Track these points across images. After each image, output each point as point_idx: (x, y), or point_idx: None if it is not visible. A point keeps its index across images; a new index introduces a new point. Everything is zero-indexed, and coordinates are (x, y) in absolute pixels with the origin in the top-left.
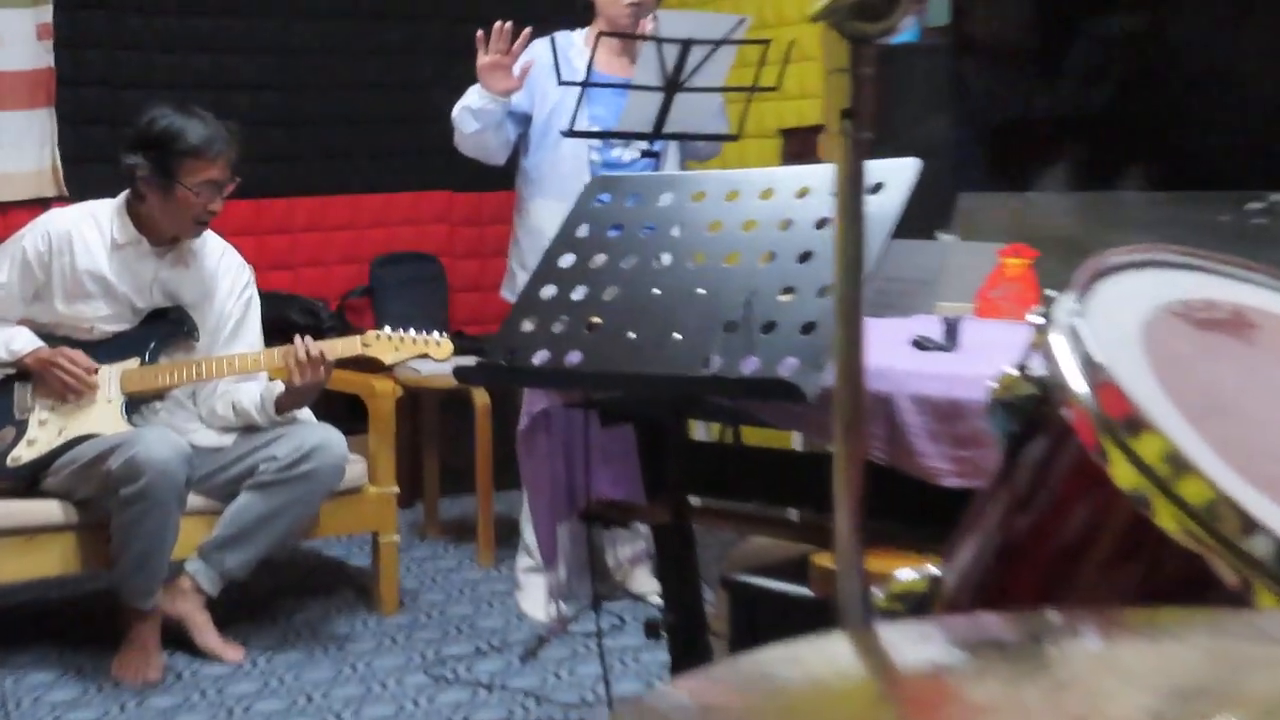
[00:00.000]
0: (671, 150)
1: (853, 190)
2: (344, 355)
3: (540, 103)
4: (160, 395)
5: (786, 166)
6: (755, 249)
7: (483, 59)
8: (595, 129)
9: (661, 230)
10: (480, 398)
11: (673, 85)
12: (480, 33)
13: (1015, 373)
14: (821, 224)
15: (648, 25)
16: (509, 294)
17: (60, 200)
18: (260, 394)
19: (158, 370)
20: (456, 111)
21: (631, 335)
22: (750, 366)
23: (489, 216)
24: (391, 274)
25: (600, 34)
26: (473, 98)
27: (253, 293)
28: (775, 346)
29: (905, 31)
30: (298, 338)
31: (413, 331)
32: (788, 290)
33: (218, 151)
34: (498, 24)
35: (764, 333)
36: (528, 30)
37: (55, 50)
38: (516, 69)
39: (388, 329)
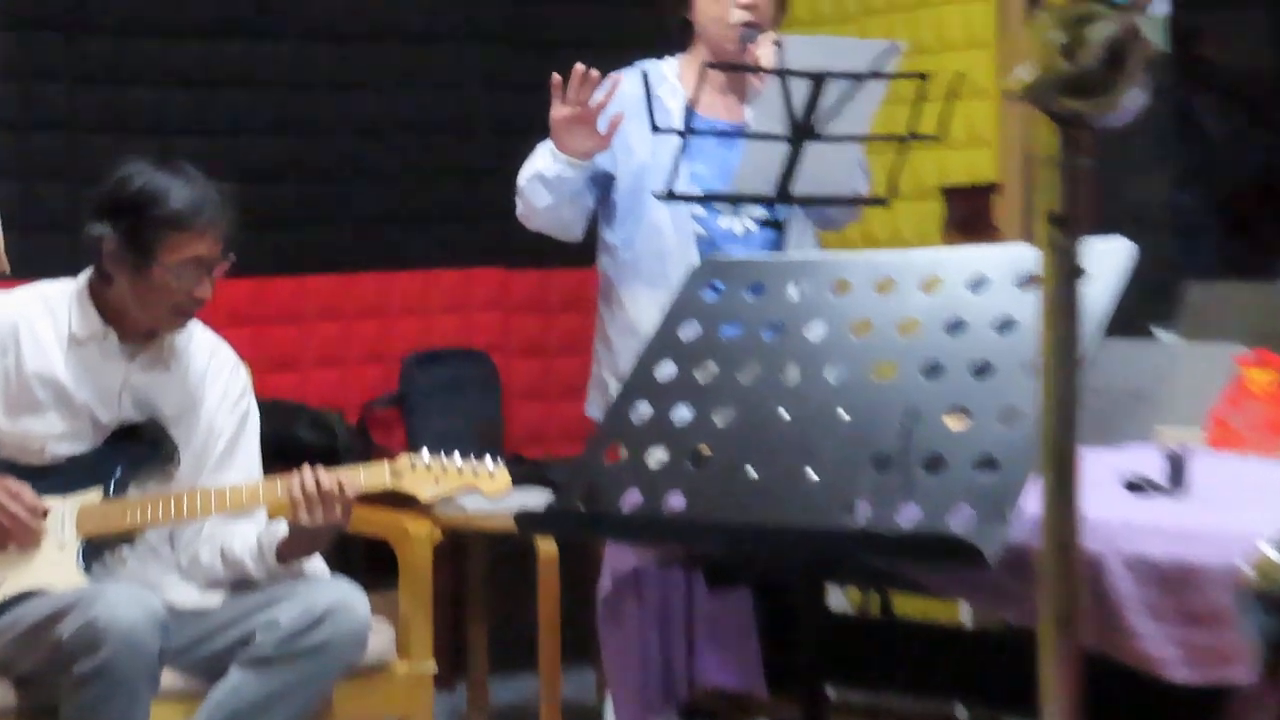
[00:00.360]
0: (799, 219)
1: (1064, 311)
2: (368, 488)
3: (626, 157)
4: (128, 538)
5: (956, 247)
6: (915, 358)
7: (559, 111)
8: (698, 191)
9: (791, 332)
10: (545, 546)
11: (802, 133)
12: (556, 77)
13: (1276, 554)
14: (1004, 326)
15: (765, 52)
16: (597, 410)
17: (2, 280)
18: (258, 538)
19: (125, 506)
20: (525, 180)
21: (751, 472)
22: (909, 516)
23: (556, 300)
24: (429, 377)
25: (705, 66)
26: (545, 161)
27: (250, 403)
28: (942, 490)
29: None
30: (306, 466)
31: (458, 457)
32: (958, 414)
33: (206, 221)
34: (579, 68)
35: (927, 471)
36: (617, 76)
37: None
38: (602, 124)
39: (425, 453)
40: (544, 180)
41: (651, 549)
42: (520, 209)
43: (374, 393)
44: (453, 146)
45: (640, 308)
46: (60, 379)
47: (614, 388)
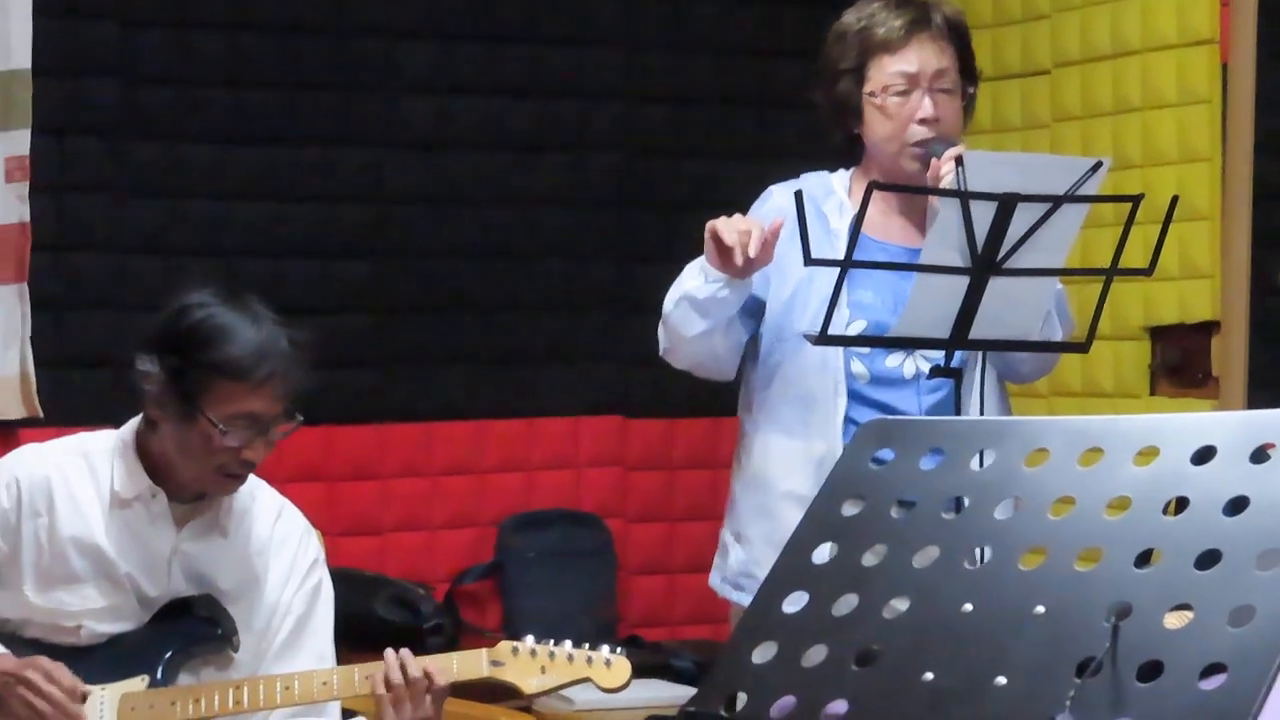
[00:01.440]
0: (982, 367)
1: None
2: (462, 678)
3: (778, 283)
4: None
5: (1176, 415)
6: (1126, 543)
7: (721, 224)
8: (859, 328)
9: (977, 509)
10: None
11: (986, 265)
12: (713, 227)
13: None
14: (1234, 507)
15: (945, 170)
16: (721, 581)
17: (33, 428)
18: None
19: (175, 695)
20: (672, 304)
21: (928, 676)
22: None
23: (682, 455)
24: (531, 545)
25: (871, 184)
26: (695, 281)
27: (322, 576)
28: (1160, 702)
29: None
30: (389, 651)
31: (568, 644)
32: (1179, 611)
33: (266, 374)
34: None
35: (1141, 679)
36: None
37: (32, 197)
38: (753, 243)
39: (530, 639)
40: (695, 303)
41: None
42: (664, 342)
43: (465, 563)
44: (562, 272)
45: (771, 460)
46: (100, 546)
47: (734, 553)
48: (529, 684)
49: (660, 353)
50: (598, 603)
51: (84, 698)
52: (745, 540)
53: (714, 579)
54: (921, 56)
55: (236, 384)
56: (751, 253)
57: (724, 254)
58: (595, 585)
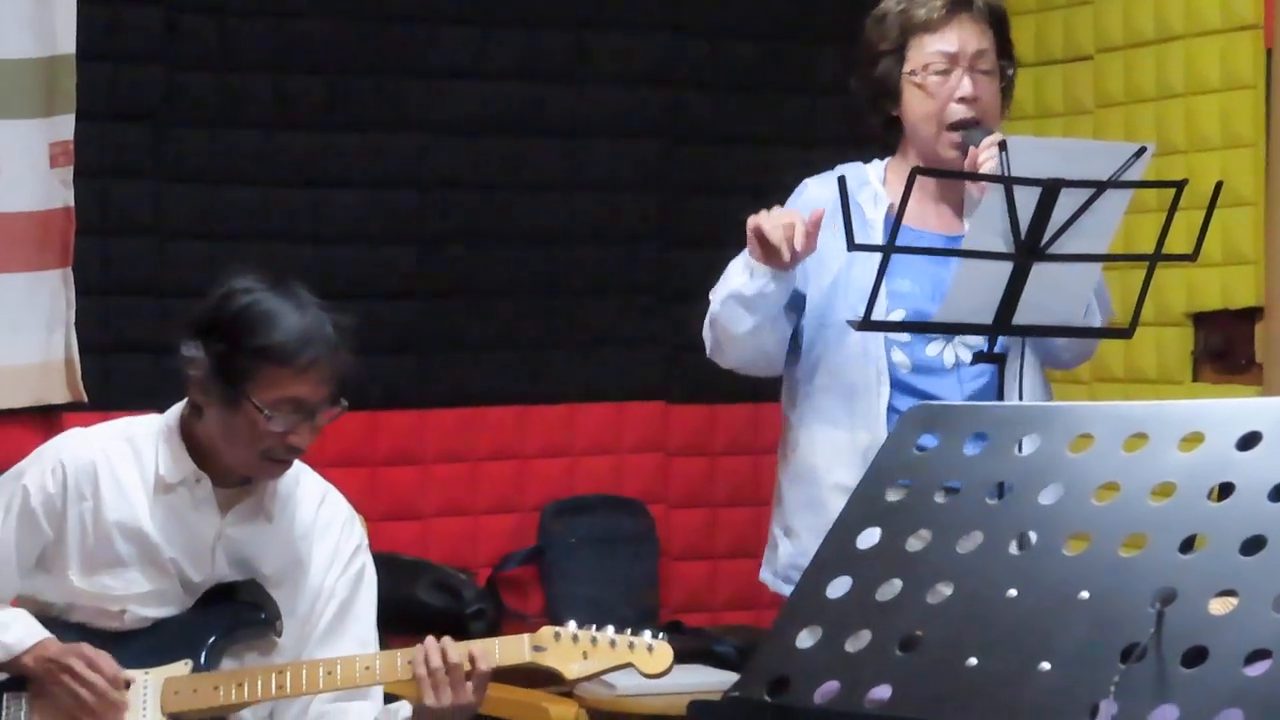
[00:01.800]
0: (1023, 353)
1: None
2: (504, 663)
3: (818, 273)
4: (222, 718)
5: (1222, 401)
6: (1171, 529)
7: (763, 219)
8: (899, 316)
9: (1021, 495)
10: None
11: (1029, 252)
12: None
13: None
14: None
15: (986, 154)
16: (771, 575)
17: (78, 413)
18: None
19: (218, 680)
20: (719, 304)
21: (971, 661)
22: (1166, 719)
23: (724, 441)
24: (573, 530)
25: (914, 171)
26: (741, 278)
27: (365, 561)
28: (1205, 689)
29: None
30: (430, 638)
31: (610, 630)
32: (1224, 597)
33: (311, 358)
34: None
35: (1186, 665)
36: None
37: (76, 182)
38: (797, 235)
39: (572, 625)
40: (742, 300)
41: None
42: (711, 343)
43: (507, 548)
44: (606, 258)
45: (817, 452)
46: (145, 530)
47: (784, 547)
48: (571, 669)
49: (708, 354)
50: (639, 588)
51: (126, 685)
52: (794, 534)
53: (764, 574)
54: (962, 36)
55: (281, 369)
56: (798, 245)
57: (767, 248)
58: (637, 571)
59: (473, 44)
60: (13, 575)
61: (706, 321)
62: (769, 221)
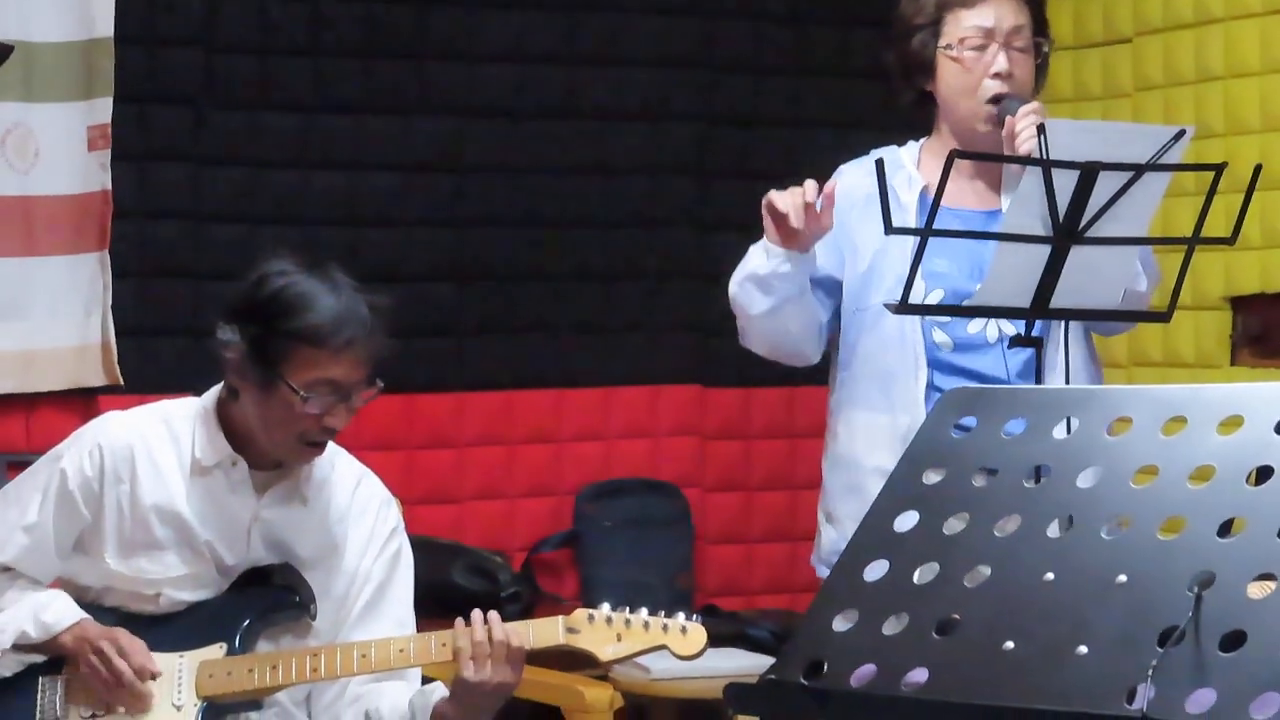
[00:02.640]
0: (1064, 333)
1: None
2: (538, 645)
3: (853, 258)
4: (257, 701)
5: (1262, 384)
6: (1211, 512)
7: (777, 197)
8: (937, 297)
9: (1059, 478)
10: None
11: (1068, 234)
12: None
13: None
14: None
15: (1024, 125)
16: (817, 561)
17: (115, 396)
18: (410, 702)
19: (254, 663)
20: (736, 285)
21: (1008, 645)
22: (1201, 703)
23: (760, 424)
24: (608, 513)
25: (953, 154)
26: (758, 259)
27: (401, 544)
28: (1243, 672)
29: None
30: (476, 613)
31: (644, 612)
32: (1263, 580)
33: (346, 340)
34: (830, 188)
35: (1224, 649)
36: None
37: (114, 166)
38: (807, 190)
39: (606, 607)
40: (758, 281)
41: None
42: (744, 327)
43: (542, 532)
44: (641, 241)
45: (855, 437)
46: (182, 514)
47: (826, 533)
48: (604, 651)
49: (740, 340)
50: (674, 572)
51: (154, 677)
52: (835, 519)
53: (813, 559)
54: (998, 12)
55: (317, 350)
56: (809, 198)
57: (781, 225)
58: (672, 554)
59: (509, 28)
60: (51, 558)
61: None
62: (779, 195)
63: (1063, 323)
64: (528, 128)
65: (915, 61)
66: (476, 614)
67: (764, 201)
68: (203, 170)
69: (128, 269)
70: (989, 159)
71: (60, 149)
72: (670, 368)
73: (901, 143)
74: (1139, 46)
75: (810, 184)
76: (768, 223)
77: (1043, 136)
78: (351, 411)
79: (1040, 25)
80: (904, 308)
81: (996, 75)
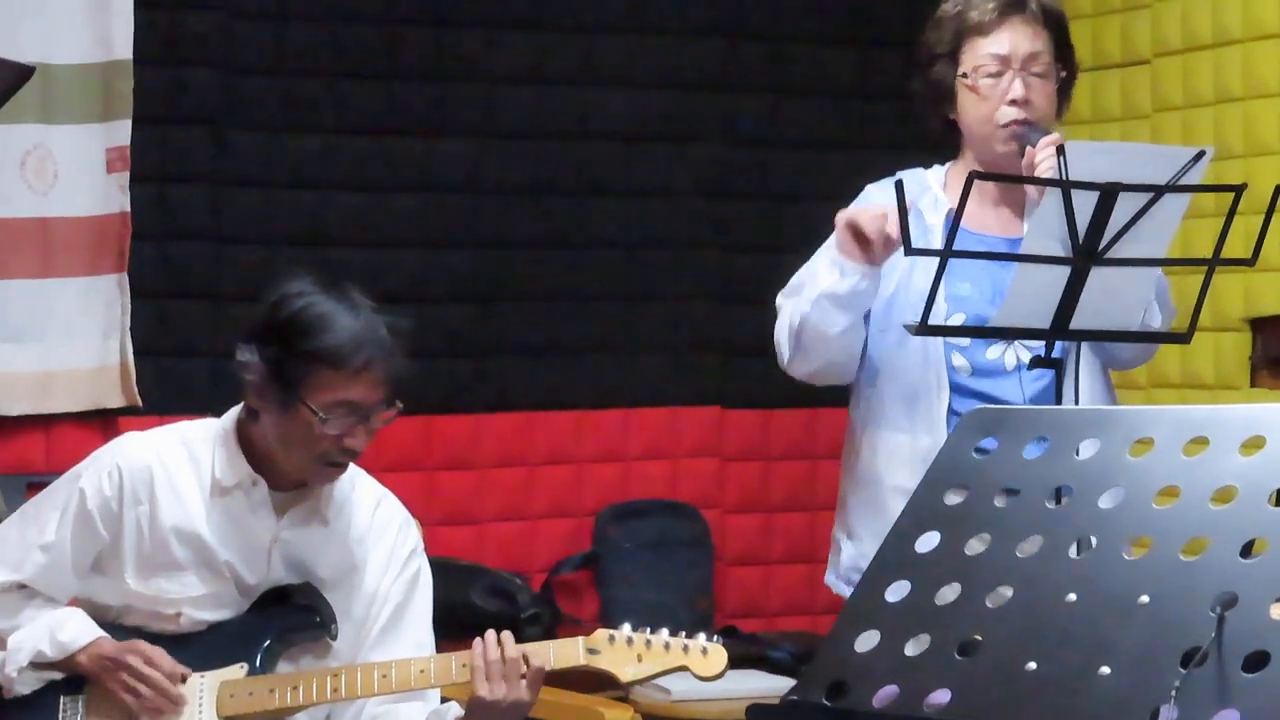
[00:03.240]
0: (1083, 355)
1: None
2: (559, 666)
3: (879, 279)
4: None
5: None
6: (1232, 533)
7: (857, 214)
8: (958, 320)
9: (1080, 498)
10: None
11: (1088, 255)
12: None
13: None
14: None
15: (1041, 158)
16: (835, 579)
17: (133, 417)
18: None
19: (274, 683)
20: (809, 305)
21: (1031, 665)
22: None
23: (780, 446)
24: (628, 535)
25: (972, 175)
26: (831, 278)
27: (421, 565)
28: (1267, 694)
29: None
30: (490, 632)
31: (665, 633)
32: None
33: (365, 362)
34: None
35: (1248, 670)
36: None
37: (133, 187)
38: (890, 225)
39: (627, 627)
40: (836, 300)
41: None
42: (793, 348)
43: (562, 553)
44: (661, 263)
45: (878, 456)
46: (201, 535)
47: (846, 550)
48: (625, 672)
49: (784, 363)
50: (694, 593)
51: (183, 679)
52: (856, 537)
53: (829, 577)
54: (1014, 39)
55: (336, 372)
56: (892, 234)
57: (861, 242)
58: (692, 576)
59: (528, 49)
60: (69, 577)
61: (785, 327)
62: (864, 215)
63: (1077, 348)
64: (547, 149)
65: (938, 91)
66: (490, 633)
67: (842, 219)
68: (222, 191)
69: (146, 290)
70: (1007, 180)
71: (79, 171)
72: (690, 389)
73: (928, 165)
74: (1157, 68)
75: (892, 214)
76: (846, 240)
77: (1062, 158)
78: (371, 433)
79: (1062, 51)
80: (924, 329)
81: (1013, 102)
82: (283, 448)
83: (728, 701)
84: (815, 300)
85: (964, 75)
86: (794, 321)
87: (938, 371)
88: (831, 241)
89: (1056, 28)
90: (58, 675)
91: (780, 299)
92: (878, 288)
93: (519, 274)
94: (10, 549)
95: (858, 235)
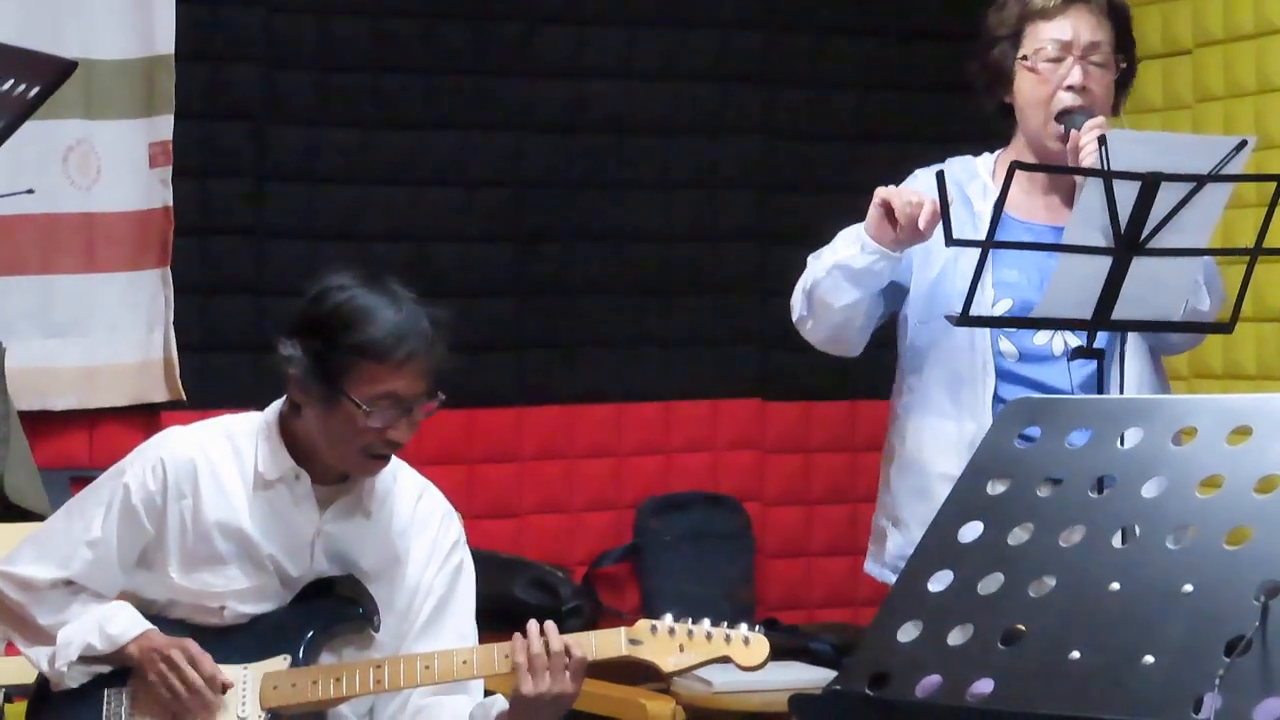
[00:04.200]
0: (1131, 341)
1: None
2: (601, 656)
3: (922, 266)
4: (321, 714)
5: None
6: (1277, 522)
7: (892, 194)
8: (1005, 307)
9: (1124, 488)
10: None
11: (1129, 245)
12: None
13: None
14: None
15: (1085, 141)
16: (879, 568)
17: (177, 411)
18: (471, 714)
19: (317, 674)
20: (823, 272)
21: (1074, 655)
22: (1271, 712)
23: (820, 438)
24: (669, 527)
25: (1012, 165)
26: (851, 250)
27: (464, 558)
28: None
29: None
30: (532, 623)
31: (707, 623)
32: None
33: (408, 354)
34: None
35: None
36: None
37: (175, 182)
38: (923, 215)
39: (669, 617)
40: (848, 273)
41: None
42: (802, 309)
43: (603, 545)
44: (701, 255)
45: (924, 443)
46: (244, 528)
47: (892, 538)
48: (667, 662)
49: (795, 319)
50: (735, 585)
51: (224, 689)
52: (902, 524)
53: (870, 566)
54: (1076, 26)
55: (378, 365)
56: (921, 224)
57: (891, 222)
58: (733, 568)
59: (569, 42)
60: (115, 572)
61: (801, 288)
62: (900, 197)
63: (1121, 339)
64: (587, 142)
65: (995, 72)
66: (533, 624)
67: (879, 195)
68: (263, 186)
69: (189, 285)
70: (1049, 170)
71: (122, 166)
72: (731, 381)
73: (978, 153)
74: (1199, 58)
75: (929, 203)
76: (879, 220)
77: (1104, 148)
78: (414, 425)
79: (1124, 42)
80: (965, 320)
81: (1070, 88)
82: (326, 441)
83: (769, 693)
84: (830, 269)
85: (1024, 58)
86: (808, 284)
87: (984, 357)
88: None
89: (1119, 19)
90: (105, 669)
91: (810, 258)
92: (891, 274)
93: (559, 267)
94: (57, 545)
95: (889, 215)
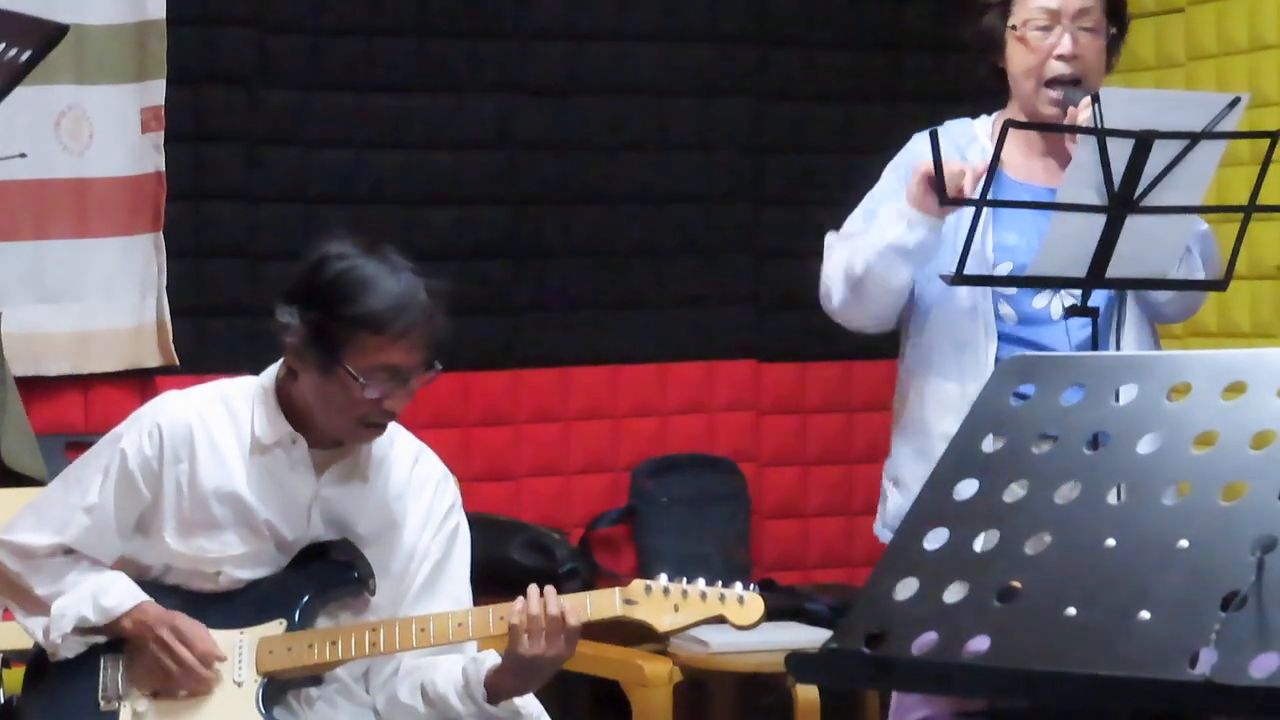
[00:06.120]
0: (1129, 304)
1: None
2: (595, 617)
3: None
4: (317, 677)
5: None
6: (1271, 477)
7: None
8: (1005, 269)
9: (1119, 444)
10: (805, 693)
11: (1122, 203)
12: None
13: None
14: None
15: (1083, 119)
16: (882, 527)
17: (171, 376)
18: (464, 670)
19: (313, 638)
20: (875, 256)
21: (1070, 611)
22: (1264, 667)
23: (816, 400)
24: (665, 489)
25: (1007, 123)
26: (897, 228)
27: (459, 521)
28: None
29: None
30: (533, 588)
31: (702, 583)
32: None
33: (405, 326)
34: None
35: None
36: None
37: (168, 147)
38: (967, 180)
39: (663, 578)
40: (903, 252)
41: (948, 700)
42: (848, 297)
43: (599, 508)
44: (695, 217)
45: (926, 404)
46: (241, 493)
47: (892, 498)
48: (662, 622)
49: (833, 306)
50: (731, 547)
51: (215, 661)
52: (903, 485)
53: (876, 525)
54: None
55: (377, 337)
56: (968, 189)
57: (934, 193)
58: (729, 529)
59: (562, 5)
60: (113, 538)
61: (840, 271)
62: (947, 168)
63: (1116, 297)
64: (580, 104)
65: (986, 39)
66: (533, 589)
67: (921, 172)
68: (256, 150)
69: (182, 250)
70: (1043, 128)
71: (114, 131)
72: (725, 343)
73: (975, 115)
74: (1192, 15)
75: (970, 170)
76: (919, 190)
77: (1097, 105)
78: (410, 395)
79: (1114, 5)
80: (959, 279)
81: (1060, 57)
82: (322, 408)
83: (766, 654)
84: (882, 251)
85: (1013, 27)
86: (854, 269)
87: (986, 320)
88: (881, 189)
89: None
90: (101, 639)
91: (832, 239)
92: (940, 239)
93: (553, 229)
94: (54, 512)
95: (931, 185)
